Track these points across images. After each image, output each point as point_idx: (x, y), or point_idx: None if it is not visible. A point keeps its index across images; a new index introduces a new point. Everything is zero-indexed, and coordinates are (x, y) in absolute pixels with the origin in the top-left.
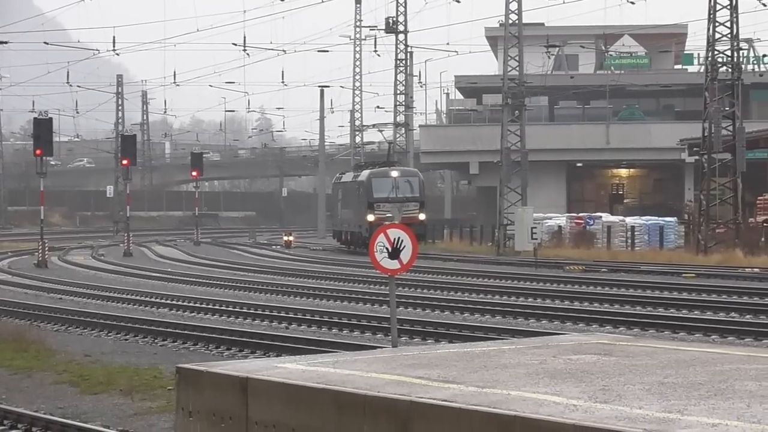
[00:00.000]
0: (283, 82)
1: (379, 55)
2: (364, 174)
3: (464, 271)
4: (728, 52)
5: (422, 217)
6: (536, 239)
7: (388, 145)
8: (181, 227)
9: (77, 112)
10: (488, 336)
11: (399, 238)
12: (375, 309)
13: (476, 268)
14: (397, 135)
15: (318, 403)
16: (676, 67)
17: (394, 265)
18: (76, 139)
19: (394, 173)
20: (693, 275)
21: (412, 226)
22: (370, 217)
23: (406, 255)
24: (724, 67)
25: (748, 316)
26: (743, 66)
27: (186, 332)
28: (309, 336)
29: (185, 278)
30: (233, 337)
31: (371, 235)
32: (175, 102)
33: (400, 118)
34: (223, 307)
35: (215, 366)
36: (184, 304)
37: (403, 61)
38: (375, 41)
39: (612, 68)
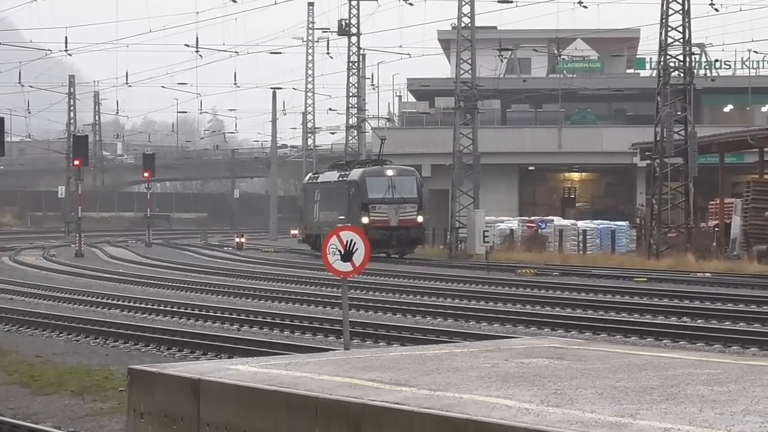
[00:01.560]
0: (235, 83)
1: (331, 58)
2: (356, 173)
3: (416, 274)
4: (680, 57)
5: (420, 219)
6: (488, 242)
7: (380, 141)
8: (132, 228)
9: (29, 112)
10: (440, 339)
11: (352, 240)
12: (327, 311)
13: (428, 271)
14: (350, 137)
15: (270, 405)
16: (629, 71)
17: (346, 267)
18: (28, 139)
19: (390, 172)
20: (644, 279)
21: (410, 229)
22: (365, 220)
23: (358, 257)
24: (676, 72)
25: (699, 321)
26: (695, 71)
27: (137, 333)
28: (261, 338)
29: (137, 279)
30: (185, 339)
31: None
32: (127, 103)
33: (353, 121)
34: (174, 309)
35: (167, 367)
36: (136, 305)
37: (356, 64)
38: (327, 43)
39: (564, 72)
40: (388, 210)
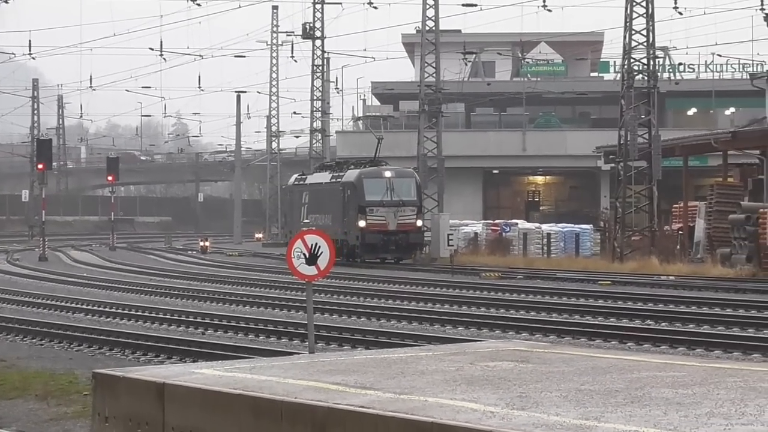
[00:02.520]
0: (199, 87)
1: (296, 61)
2: (352, 174)
3: (381, 278)
4: (644, 60)
5: (420, 223)
6: (452, 246)
7: (377, 141)
8: (96, 232)
9: None
10: (405, 342)
11: (316, 243)
12: (292, 315)
13: (393, 274)
14: (314, 141)
15: (235, 408)
16: (593, 74)
17: (311, 271)
18: None
19: (388, 173)
20: (609, 282)
21: (409, 234)
22: (362, 224)
23: (323, 261)
24: (640, 75)
25: (663, 324)
26: (659, 74)
27: (102, 337)
28: (226, 342)
29: (101, 283)
30: (149, 343)
31: (363, 243)
32: (91, 106)
33: (317, 124)
34: (139, 313)
35: (132, 371)
36: (100, 309)
37: (320, 67)
38: (292, 47)
39: (528, 75)
40: (387, 213)
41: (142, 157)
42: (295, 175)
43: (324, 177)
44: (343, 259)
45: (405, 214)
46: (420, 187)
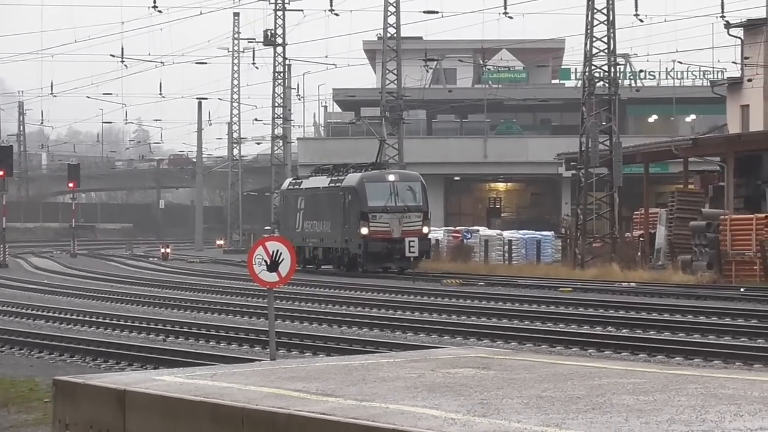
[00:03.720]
0: (161, 93)
1: (257, 68)
2: (353, 178)
3: (342, 284)
4: (605, 67)
5: (426, 230)
6: (414, 252)
7: (379, 143)
8: (57, 239)
9: None
10: (366, 349)
11: (278, 250)
12: (253, 322)
13: (354, 281)
14: (275, 148)
15: (196, 415)
16: (554, 81)
17: (272, 277)
18: None
19: (392, 177)
20: (570, 289)
21: (414, 241)
22: (364, 231)
23: (284, 268)
24: (601, 82)
25: (624, 330)
26: (620, 81)
27: (63, 344)
28: (187, 348)
29: (62, 290)
30: (110, 350)
31: (366, 252)
32: (52, 113)
33: (278, 131)
34: (99, 319)
35: (92, 378)
36: (61, 316)
37: (282, 74)
38: (253, 54)
39: (490, 82)
40: (390, 220)
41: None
42: (289, 179)
43: (321, 181)
44: (343, 269)
45: (410, 221)
46: (426, 191)
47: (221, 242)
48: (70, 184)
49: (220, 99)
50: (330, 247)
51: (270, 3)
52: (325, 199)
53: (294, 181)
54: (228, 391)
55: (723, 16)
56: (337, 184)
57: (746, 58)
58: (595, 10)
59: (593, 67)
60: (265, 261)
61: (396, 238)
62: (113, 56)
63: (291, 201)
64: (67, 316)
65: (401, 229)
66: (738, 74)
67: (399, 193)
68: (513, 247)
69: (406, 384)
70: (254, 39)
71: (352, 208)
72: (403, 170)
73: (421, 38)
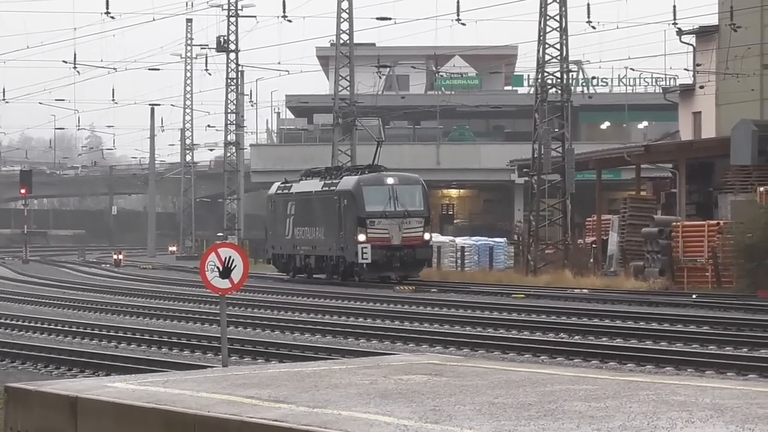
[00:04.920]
0: (113, 99)
1: (210, 74)
2: (349, 181)
3: (295, 291)
4: (558, 74)
5: (428, 237)
6: (366, 259)
7: (376, 143)
8: (9, 245)
9: None
10: (319, 356)
11: (230, 257)
12: (205, 328)
13: (307, 288)
14: (228, 154)
15: (148, 422)
16: (507, 88)
17: (225, 284)
18: None
19: (391, 180)
20: (522, 296)
21: (415, 249)
22: (362, 238)
23: (237, 274)
24: (554, 89)
25: (576, 337)
26: (573, 88)
27: (14, 351)
28: (139, 355)
29: (13, 296)
30: (62, 356)
31: (364, 258)
32: (4, 119)
33: (231, 137)
34: (51, 326)
35: (44, 385)
36: (12, 322)
37: (234, 80)
38: (206, 60)
39: (443, 89)
40: (390, 226)
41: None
42: (278, 183)
43: (314, 185)
44: (338, 278)
45: (411, 227)
46: (427, 195)
47: (174, 248)
48: (22, 191)
49: (173, 105)
50: (324, 255)
51: (223, 9)
52: (318, 204)
53: (283, 185)
54: (180, 398)
55: (675, 23)
56: (332, 188)
57: (698, 65)
58: (547, 17)
59: (546, 74)
60: (218, 267)
61: (396, 245)
62: (66, 62)
63: (280, 206)
64: (19, 322)
65: (401, 236)
66: (690, 81)
67: (398, 197)
68: (465, 253)
69: (359, 391)
70: (207, 45)
71: (349, 214)
72: (403, 173)
73: (374, 45)
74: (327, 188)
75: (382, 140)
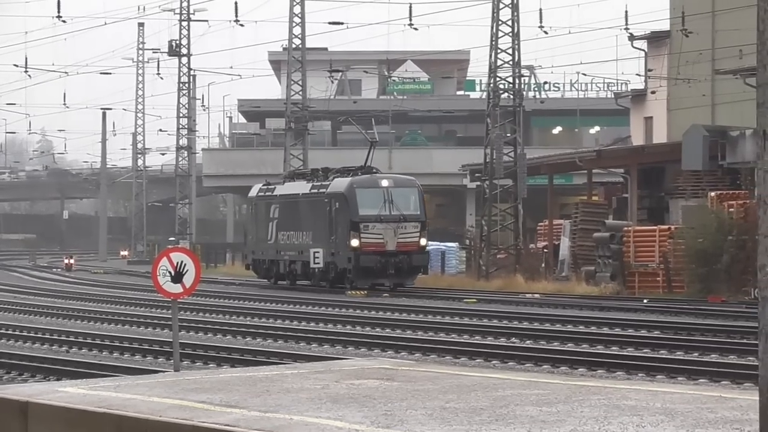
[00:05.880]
0: (65, 104)
1: (162, 78)
2: (341, 183)
3: (247, 296)
4: (510, 79)
5: (424, 242)
6: (318, 264)
7: (369, 143)
8: None
9: None
10: (271, 360)
11: (182, 261)
12: (157, 333)
13: (258, 293)
14: (180, 158)
15: (99, 427)
16: (459, 93)
17: (176, 289)
18: None
19: (386, 182)
20: (474, 300)
21: (411, 255)
22: (355, 243)
23: (189, 279)
24: (506, 94)
25: (528, 342)
26: (524, 93)
27: None
28: (90, 360)
29: None
30: (13, 361)
31: (357, 266)
32: None
33: (183, 142)
34: (2, 330)
35: None
36: None
37: (186, 85)
38: (158, 64)
39: (395, 93)
40: (384, 230)
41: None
42: (259, 185)
43: (300, 187)
44: (326, 285)
45: (406, 232)
46: (423, 199)
47: (125, 253)
48: None
49: (125, 109)
50: (308, 261)
51: (175, 13)
52: (306, 207)
53: (264, 186)
54: (132, 403)
55: (627, 29)
56: (321, 190)
57: (650, 70)
58: (499, 22)
59: (498, 79)
60: (170, 272)
61: (390, 251)
62: (17, 66)
63: (261, 209)
64: None
65: (396, 241)
66: (642, 86)
67: (393, 200)
68: None
69: (311, 395)
70: (159, 49)
71: (341, 217)
72: (398, 175)
73: (326, 49)
74: (316, 190)
75: (376, 141)
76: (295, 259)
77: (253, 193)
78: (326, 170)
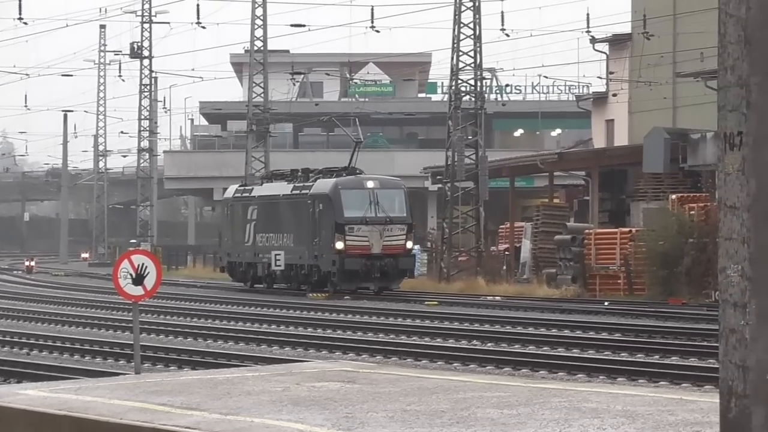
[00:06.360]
0: (26, 106)
1: (123, 80)
2: (325, 184)
3: (208, 298)
4: (471, 82)
5: (410, 245)
6: (279, 266)
7: (354, 143)
8: None
9: None
10: (232, 363)
11: (143, 264)
12: (118, 335)
13: (219, 295)
14: (141, 161)
15: (60, 429)
16: (420, 95)
17: (138, 291)
18: None
19: (371, 183)
20: (435, 303)
21: (397, 258)
22: (339, 246)
23: (150, 281)
24: (468, 96)
25: (489, 344)
26: (486, 95)
27: None
28: (51, 362)
29: None
30: None
31: (342, 270)
32: None
33: (144, 144)
34: None
35: None
36: None
37: (148, 87)
38: (120, 66)
39: (357, 96)
40: (370, 233)
41: None
42: (235, 186)
43: (281, 188)
44: (307, 289)
45: (392, 234)
46: (409, 201)
47: (86, 255)
48: None
49: (86, 111)
50: (293, 264)
51: (136, 16)
52: (287, 209)
53: (241, 187)
54: (92, 405)
55: (588, 32)
56: (304, 192)
57: (611, 73)
58: (461, 25)
59: (460, 81)
60: (131, 274)
61: (376, 254)
62: None
63: (238, 211)
64: None
65: (382, 244)
66: (603, 89)
67: (380, 201)
68: None
69: (272, 398)
70: (121, 51)
71: (325, 219)
72: (384, 176)
73: (288, 51)
74: (298, 191)
75: (361, 140)
76: (270, 261)
77: (228, 194)
78: (306, 171)
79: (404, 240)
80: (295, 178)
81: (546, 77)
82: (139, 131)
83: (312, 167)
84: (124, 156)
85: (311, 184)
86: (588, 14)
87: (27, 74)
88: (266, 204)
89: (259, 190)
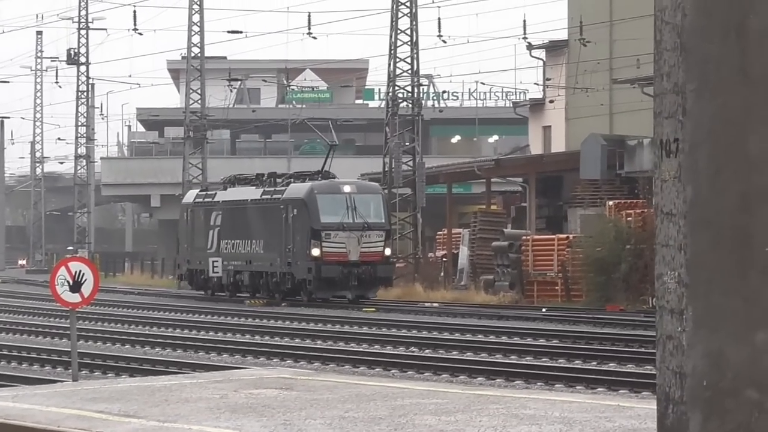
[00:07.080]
0: None
1: (60, 87)
2: (299, 188)
3: (145, 305)
4: (409, 88)
5: (389, 252)
6: (217, 272)
7: (329, 146)
8: None
9: None
10: (169, 370)
11: (80, 271)
12: (55, 342)
13: (157, 302)
14: (78, 167)
15: None
16: (358, 101)
17: (75, 298)
18: None
19: (348, 188)
20: (373, 309)
21: (375, 265)
22: (316, 252)
23: (87, 288)
24: (405, 103)
25: (427, 351)
26: (423, 102)
27: None
28: None
29: None
30: None
31: (318, 277)
32: None
33: (82, 150)
34: None
35: None
36: None
37: (85, 93)
38: (56, 72)
39: (294, 102)
40: (348, 239)
41: None
42: (195, 191)
43: (249, 193)
44: (279, 297)
45: (370, 240)
46: (388, 206)
47: (23, 262)
48: None
49: (23, 118)
50: (264, 272)
51: (73, 22)
52: (257, 214)
53: (203, 192)
54: (29, 413)
55: (525, 38)
56: (276, 197)
57: (548, 79)
58: (398, 31)
59: (397, 88)
60: (68, 281)
61: (353, 262)
62: None
63: (200, 216)
64: None
65: (359, 251)
66: (540, 95)
67: (357, 207)
68: None
69: (209, 405)
70: (57, 58)
71: (299, 225)
72: (361, 180)
73: (225, 58)
74: (269, 196)
75: (336, 144)
76: (242, 269)
77: (188, 199)
78: (274, 175)
79: (382, 247)
80: (262, 182)
81: (483, 84)
82: (77, 138)
83: (248, 173)
84: (62, 162)
85: (283, 188)
86: (525, 21)
87: None
88: (232, 209)
89: (223, 195)
